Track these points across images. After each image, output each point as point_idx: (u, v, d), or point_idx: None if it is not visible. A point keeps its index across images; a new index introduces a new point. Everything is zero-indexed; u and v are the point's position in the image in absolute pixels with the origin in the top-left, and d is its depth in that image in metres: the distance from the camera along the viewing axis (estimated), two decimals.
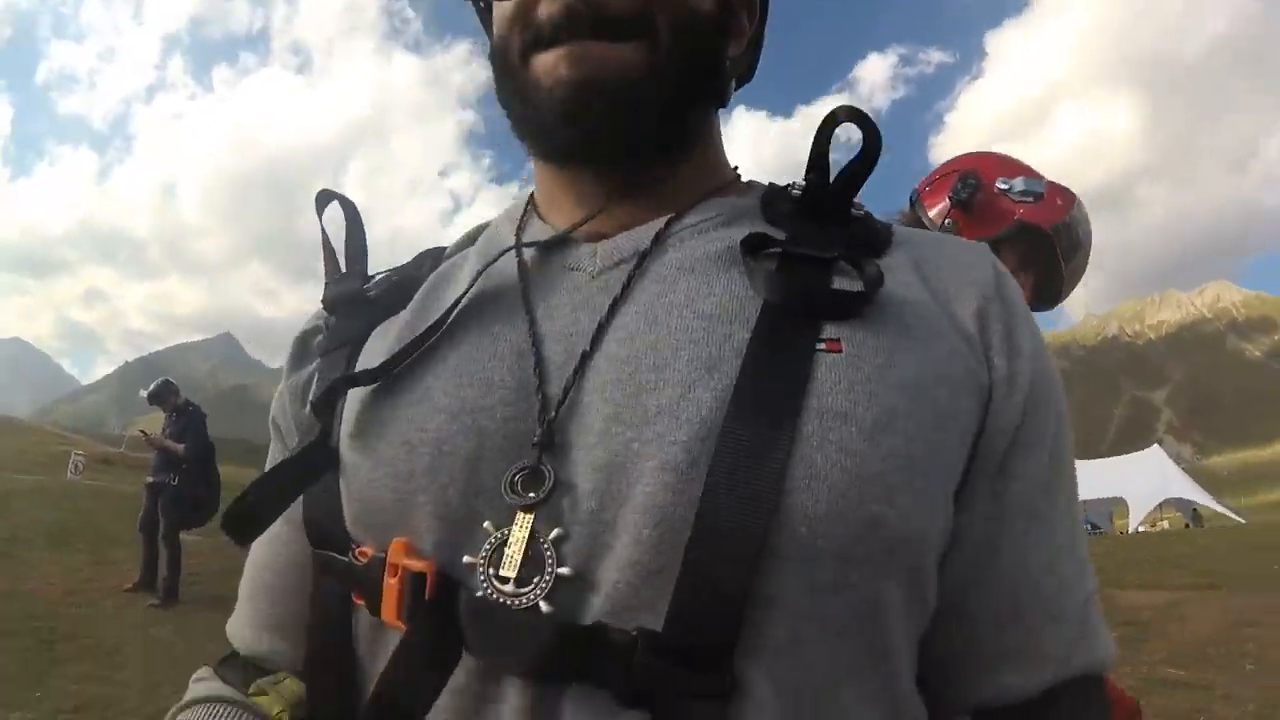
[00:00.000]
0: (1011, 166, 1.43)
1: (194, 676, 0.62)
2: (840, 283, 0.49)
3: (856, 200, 0.54)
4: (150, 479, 6.75)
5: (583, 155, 0.54)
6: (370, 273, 0.64)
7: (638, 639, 0.41)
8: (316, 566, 0.54)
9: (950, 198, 1.40)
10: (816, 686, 0.43)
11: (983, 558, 0.49)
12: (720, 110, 0.61)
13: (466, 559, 0.45)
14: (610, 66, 0.49)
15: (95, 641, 4.95)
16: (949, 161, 1.52)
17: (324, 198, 0.63)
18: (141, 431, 7.15)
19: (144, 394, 7.30)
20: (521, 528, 0.44)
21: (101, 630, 5.23)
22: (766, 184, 0.60)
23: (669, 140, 0.54)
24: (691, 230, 0.54)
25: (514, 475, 0.45)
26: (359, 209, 0.64)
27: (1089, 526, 28.79)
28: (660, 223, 0.54)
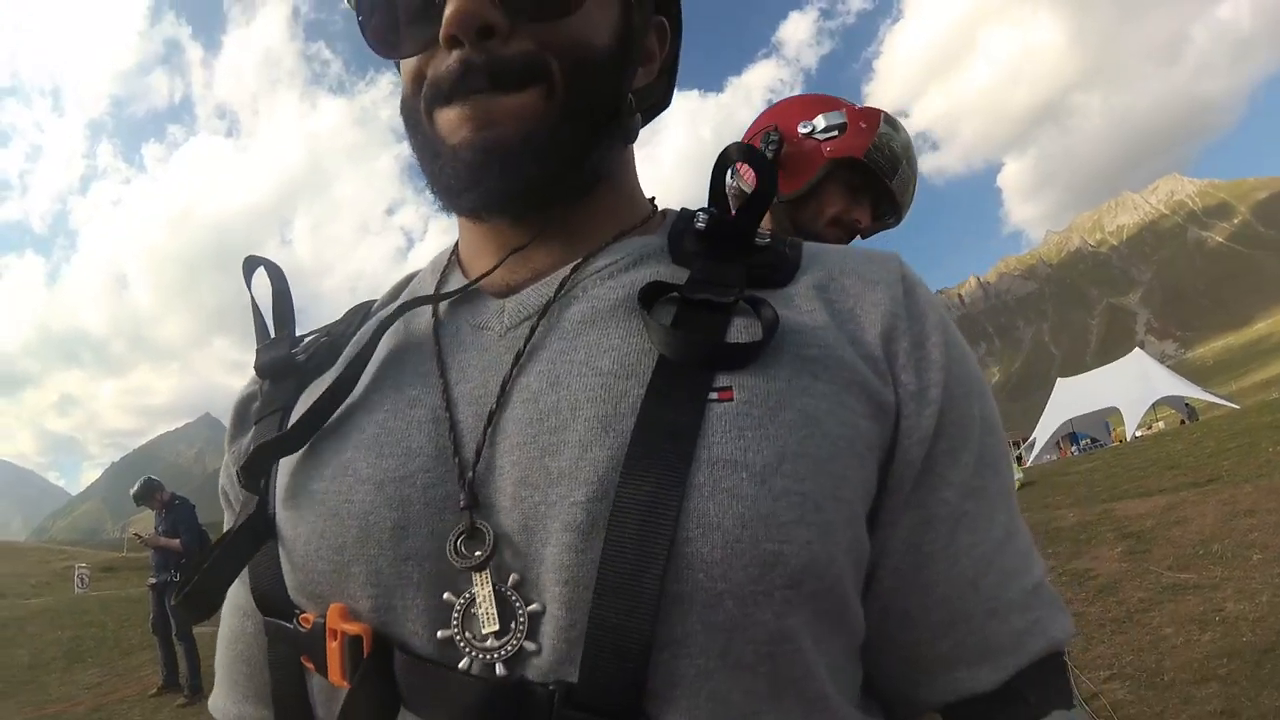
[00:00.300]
0: (811, 107, 1.42)
1: None
2: (738, 325, 0.50)
3: (761, 228, 0.55)
4: (153, 580, 6.72)
5: (490, 210, 0.54)
6: (300, 334, 0.65)
7: (555, 692, 0.43)
8: (268, 634, 0.55)
9: None
10: (734, 715, 0.44)
11: (913, 565, 0.50)
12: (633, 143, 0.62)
13: (441, 634, 0.46)
14: (509, 121, 0.50)
15: None
16: (754, 121, 1.51)
17: (250, 264, 0.63)
18: (135, 534, 7.10)
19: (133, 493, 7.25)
20: (482, 585, 0.45)
21: None
22: (679, 212, 0.61)
23: (574, 184, 0.55)
24: (597, 277, 0.55)
25: (455, 541, 0.47)
26: (294, 270, 0.67)
27: (1089, 440, 29.02)
28: (566, 270, 0.55)
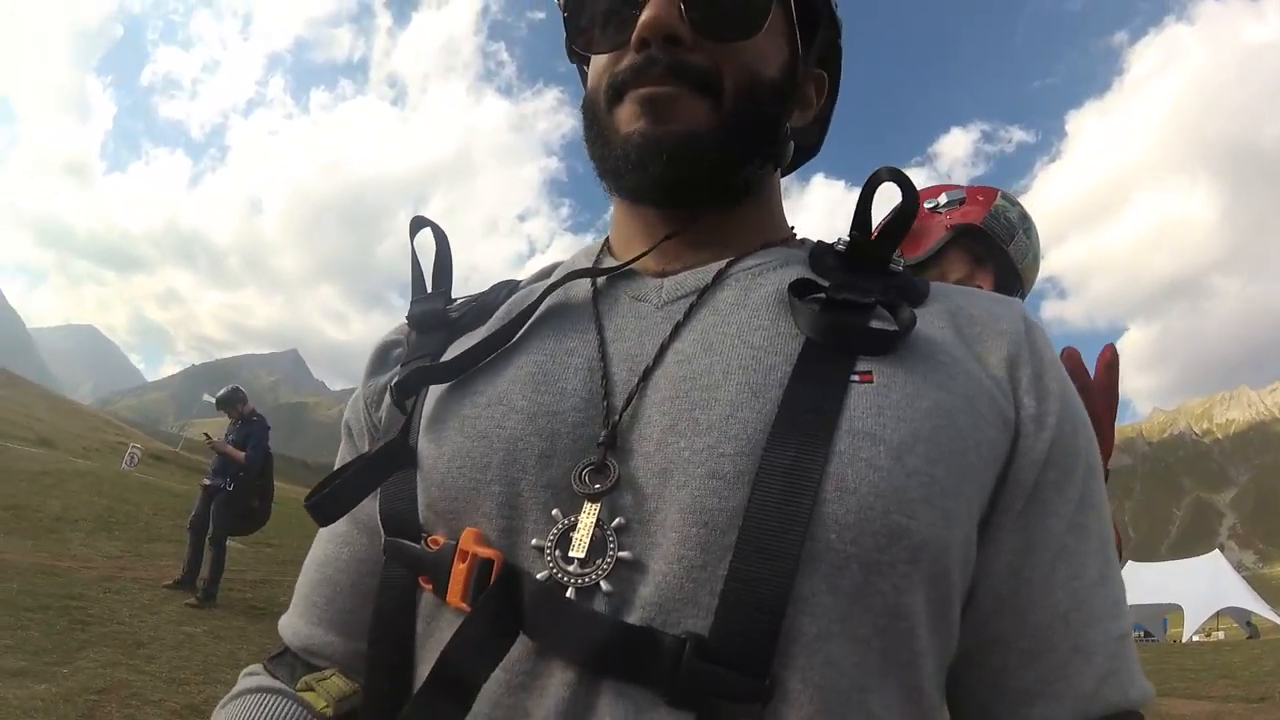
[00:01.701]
0: (933, 190, 1.52)
1: (244, 671, 0.66)
2: (876, 324, 0.53)
3: (896, 257, 0.56)
4: (207, 481, 6.92)
5: (646, 195, 0.60)
6: (453, 296, 0.70)
7: (686, 643, 0.44)
8: (388, 553, 0.57)
9: None
10: (844, 686, 0.45)
11: (1011, 590, 0.51)
12: (796, 177, 0.67)
13: (534, 541, 0.49)
14: (679, 121, 0.56)
15: (128, 630, 5.05)
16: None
17: (417, 223, 0.68)
18: (205, 435, 7.36)
19: (209, 398, 7.52)
20: (588, 515, 0.48)
21: (135, 620, 5.33)
22: (816, 241, 0.66)
23: (725, 190, 0.60)
24: (747, 272, 0.60)
25: (583, 469, 0.50)
26: (449, 241, 0.69)
27: (1141, 633, 27.52)
28: (721, 263, 0.61)
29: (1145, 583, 27.34)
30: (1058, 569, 0.52)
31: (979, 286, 1.44)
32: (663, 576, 0.46)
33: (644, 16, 0.56)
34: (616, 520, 0.48)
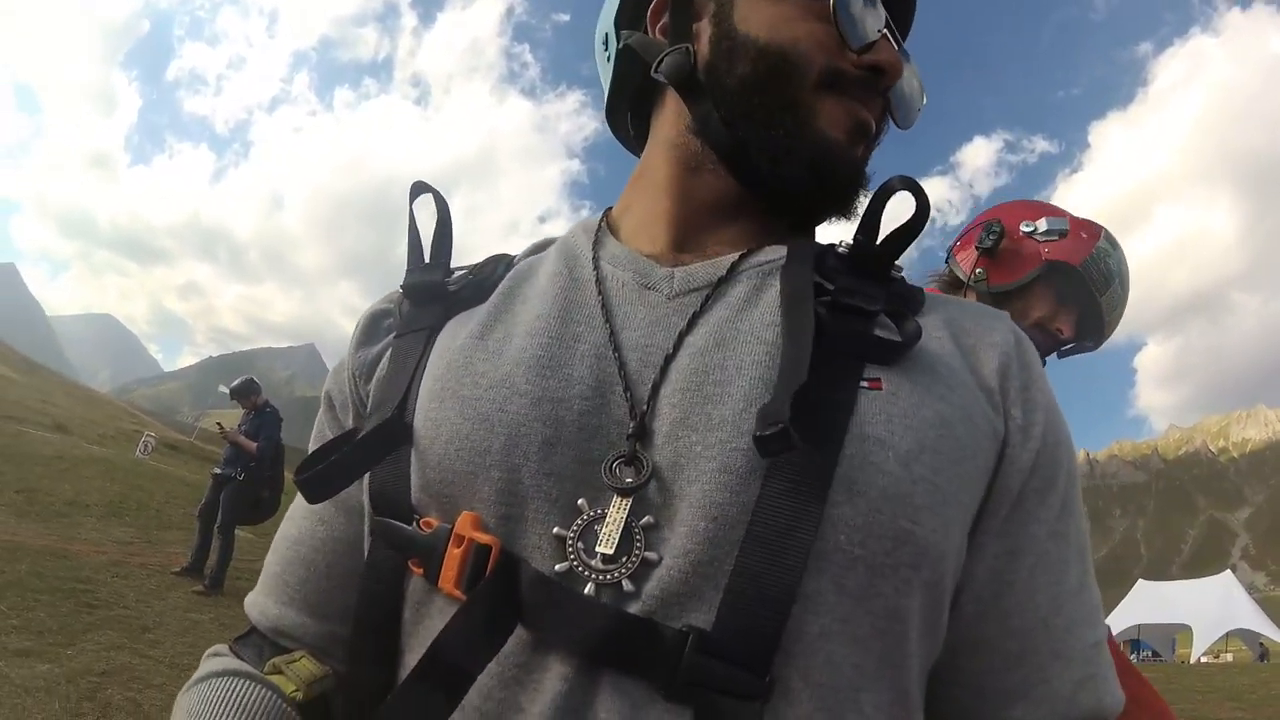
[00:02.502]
0: (1035, 209, 1.43)
1: (208, 652, 0.63)
2: (880, 333, 0.54)
3: (897, 263, 0.59)
4: (218, 470, 6.98)
5: (793, 202, 0.62)
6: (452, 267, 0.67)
7: (689, 637, 0.43)
8: (375, 533, 0.56)
9: (976, 247, 1.41)
10: (842, 685, 0.45)
11: (994, 593, 0.53)
12: None
13: (557, 530, 0.48)
14: (863, 153, 0.62)
15: (134, 614, 5.10)
16: (974, 219, 1.53)
17: (418, 188, 0.65)
18: (218, 424, 7.43)
19: (224, 388, 7.58)
20: (618, 509, 0.47)
21: (141, 604, 5.39)
22: (816, 241, 0.65)
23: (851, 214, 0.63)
24: (758, 269, 0.59)
25: (613, 463, 0.49)
26: (450, 210, 0.66)
27: (1150, 653, 27.13)
28: (734, 257, 0.60)
29: (1157, 601, 27.02)
30: (1039, 575, 0.53)
31: (1058, 329, 1.37)
32: (667, 570, 0.45)
33: (890, 57, 0.60)
34: (645, 519, 0.47)
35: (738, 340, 0.53)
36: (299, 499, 0.64)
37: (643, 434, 0.50)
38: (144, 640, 4.61)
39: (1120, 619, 26.93)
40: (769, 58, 0.58)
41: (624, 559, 0.46)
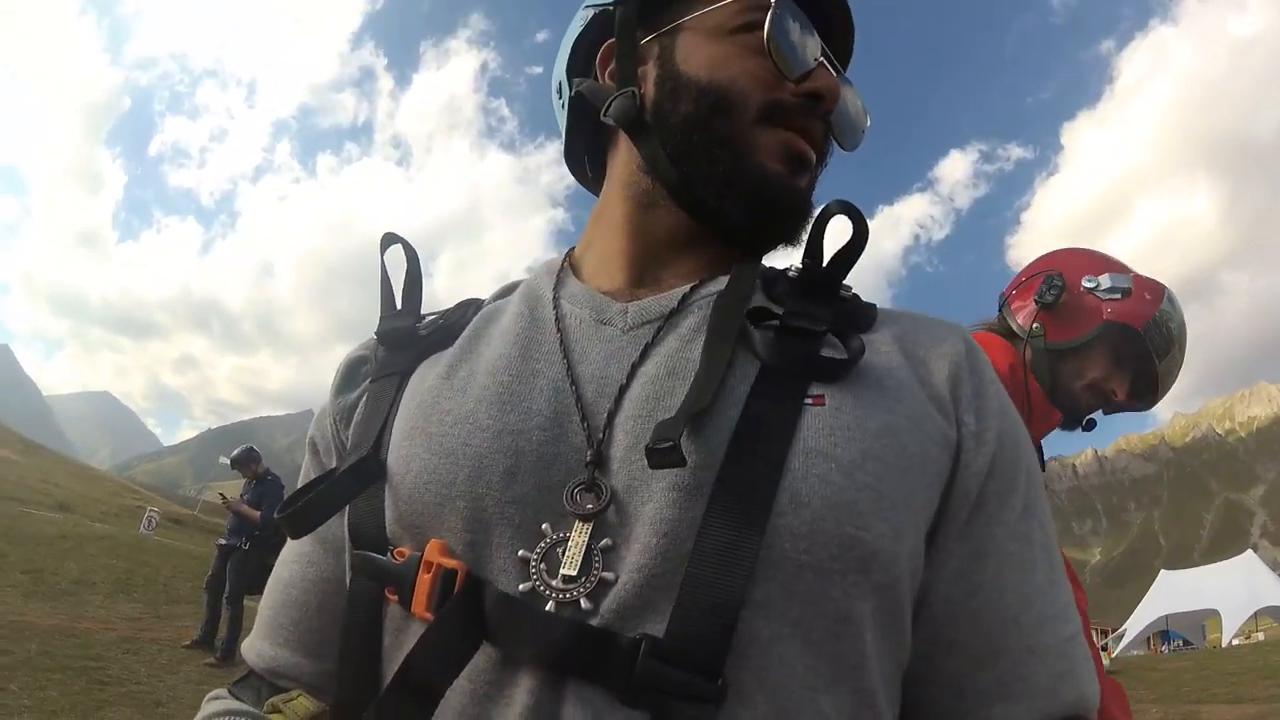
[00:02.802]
0: (1098, 263, 1.39)
1: (208, 696, 0.65)
2: (827, 352, 0.56)
3: (846, 283, 0.62)
4: (223, 541, 6.95)
5: (731, 232, 0.64)
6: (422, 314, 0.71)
7: (641, 643, 0.45)
8: (355, 566, 0.58)
9: (1035, 301, 1.37)
10: (796, 687, 0.47)
11: (963, 593, 0.54)
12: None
13: (521, 553, 0.51)
14: (804, 189, 0.64)
15: (147, 689, 5.03)
16: (1035, 262, 1.48)
17: (388, 239, 0.69)
18: (221, 495, 7.42)
19: (225, 459, 7.57)
20: (580, 533, 0.50)
21: (154, 679, 5.31)
22: (767, 266, 0.68)
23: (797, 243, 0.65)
24: (708, 300, 0.61)
25: (574, 490, 0.51)
26: (427, 299, 0.71)
27: (1180, 642, 26.74)
28: (685, 288, 0.63)
29: (1182, 590, 26.73)
30: (1006, 574, 0.55)
31: (1112, 390, 1.34)
32: (623, 586, 0.48)
33: (828, 82, 0.63)
34: (604, 542, 0.49)
35: (687, 368, 0.55)
36: (289, 543, 0.66)
37: (600, 461, 0.52)
38: (158, 715, 4.54)
39: (1147, 612, 26.72)
40: (709, 96, 0.62)
41: (583, 579, 0.48)
